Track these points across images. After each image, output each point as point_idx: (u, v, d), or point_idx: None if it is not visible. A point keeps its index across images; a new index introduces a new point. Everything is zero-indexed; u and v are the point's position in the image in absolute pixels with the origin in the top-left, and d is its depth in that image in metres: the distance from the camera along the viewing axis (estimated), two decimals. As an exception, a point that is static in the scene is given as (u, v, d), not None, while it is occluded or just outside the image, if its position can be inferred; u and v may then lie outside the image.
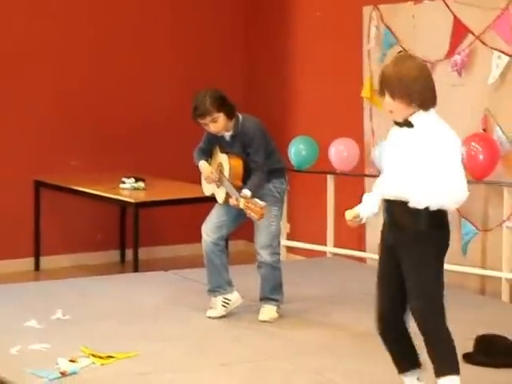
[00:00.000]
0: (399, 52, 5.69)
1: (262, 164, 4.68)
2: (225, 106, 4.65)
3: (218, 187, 4.78)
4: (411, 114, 3.35)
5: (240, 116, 4.74)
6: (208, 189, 4.89)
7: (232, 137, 4.74)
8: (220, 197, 4.76)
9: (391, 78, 3.31)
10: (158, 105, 7.04)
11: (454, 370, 3.42)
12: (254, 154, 4.67)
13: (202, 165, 4.80)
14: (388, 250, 3.45)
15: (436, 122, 3.39)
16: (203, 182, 4.91)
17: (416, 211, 3.32)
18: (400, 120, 3.37)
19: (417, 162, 3.32)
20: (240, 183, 4.66)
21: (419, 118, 3.36)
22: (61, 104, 6.76)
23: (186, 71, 7.08)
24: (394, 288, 3.44)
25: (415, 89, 3.31)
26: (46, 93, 6.71)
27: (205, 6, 7.17)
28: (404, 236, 3.37)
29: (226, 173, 4.70)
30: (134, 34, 6.95)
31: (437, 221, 3.37)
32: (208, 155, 4.86)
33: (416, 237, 3.35)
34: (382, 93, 3.35)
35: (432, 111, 3.39)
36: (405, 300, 3.43)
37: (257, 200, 4.43)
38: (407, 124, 3.36)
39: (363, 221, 3.51)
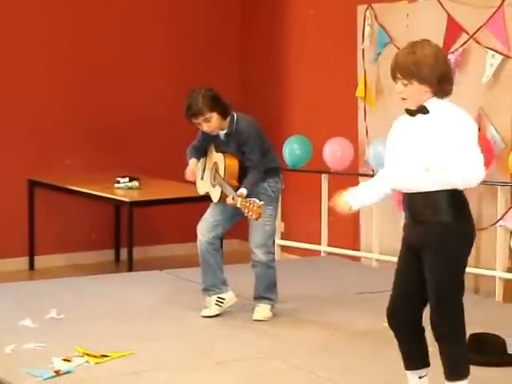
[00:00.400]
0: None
1: (258, 162, 4.67)
2: (218, 105, 4.64)
3: (213, 186, 4.77)
4: (424, 101, 3.23)
5: (235, 115, 4.73)
6: (202, 188, 4.89)
7: (227, 135, 4.73)
8: (215, 196, 4.76)
9: (407, 63, 3.21)
10: (152, 104, 7.03)
11: (465, 375, 3.38)
12: (249, 152, 4.66)
13: (191, 163, 4.79)
14: (409, 246, 3.34)
15: (452, 107, 3.29)
16: (197, 181, 4.90)
17: (437, 202, 3.20)
18: (413, 107, 3.26)
19: (435, 148, 3.20)
20: (236, 183, 4.65)
21: (434, 104, 3.26)
22: (55, 103, 6.75)
23: (181, 71, 7.07)
24: (411, 285, 3.34)
25: (433, 75, 3.21)
26: (41, 92, 6.70)
27: (199, 6, 7.16)
28: (427, 230, 3.24)
29: (222, 172, 4.69)
30: (127, 34, 6.94)
31: (460, 210, 3.24)
32: (201, 154, 4.85)
33: (441, 230, 3.22)
34: (395, 79, 3.25)
35: (446, 99, 3.30)
36: (422, 299, 3.34)
37: (254, 199, 4.41)
38: (422, 110, 3.24)
39: (353, 209, 3.43)
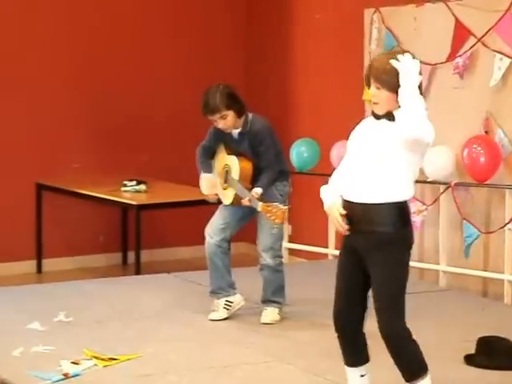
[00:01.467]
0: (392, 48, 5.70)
1: (273, 162, 4.67)
2: (235, 103, 4.63)
3: (224, 189, 4.76)
4: (395, 109, 3.25)
5: (250, 114, 4.73)
6: (209, 189, 4.85)
7: (240, 135, 4.72)
8: (227, 198, 4.74)
9: (379, 71, 3.25)
10: (159, 108, 7.04)
11: (424, 371, 3.40)
12: (264, 152, 4.65)
13: (204, 178, 4.75)
14: (351, 251, 3.39)
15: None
16: (203, 182, 4.85)
17: (380, 211, 3.27)
18: (382, 113, 3.29)
19: (394, 156, 3.25)
20: (249, 185, 4.64)
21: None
22: (62, 107, 6.77)
23: (187, 76, 7.08)
24: (352, 287, 3.40)
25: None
26: (48, 95, 6.72)
27: (206, 11, 7.16)
28: (370, 238, 3.30)
29: (236, 174, 4.68)
30: (135, 36, 6.95)
31: (402, 219, 3.31)
32: (211, 154, 4.83)
33: (384, 238, 3.28)
34: (368, 83, 3.31)
35: None
36: (363, 300, 3.41)
37: (277, 204, 4.36)
38: (388, 116, 3.28)
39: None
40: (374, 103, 3.31)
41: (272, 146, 4.68)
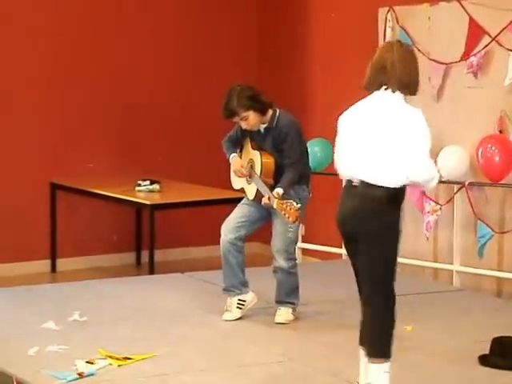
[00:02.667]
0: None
1: (297, 160, 4.64)
2: (254, 104, 4.62)
3: (249, 183, 4.76)
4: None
5: (277, 110, 4.72)
6: (238, 183, 4.87)
7: (266, 129, 4.71)
8: (250, 193, 4.74)
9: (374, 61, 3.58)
10: (173, 108, 7.04)
11: (388, 356, 3.53)
12: (288, 149, 4.64)
13: (233, 158, 4.77)
14: (347, 238, 3.58)
15: (406, 106, 3.54)
16: (233, 175, 4.87)
17: (373, 194, 3.45)
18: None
19: (386, 142, 3.46)
20: (271, 181, 4.63)
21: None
22: (77, 107, 6.78)
23: (201, 76, 7.07)
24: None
25: (411, 77, 3.55)
26: (62, 96, 6.73)
27: (218, 10, 7.16)
28: (363, 221, 3.48)
29: (258, 169, 4.67)
30: (147, 33, 6.93)
31: (394, 204, 3.49)
32: (237, 146, 4.83)
33: (376, 222, 3.45)
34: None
35: (407, 98, 3.57)
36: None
37: (291, 201, 4.39)
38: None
39: None
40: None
41: (297, 145, 4.66)
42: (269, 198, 4.48)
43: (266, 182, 4.61)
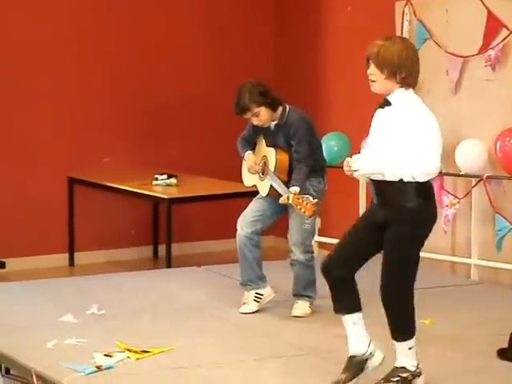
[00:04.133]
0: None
1: (306, 155, 4.65)
2: (266, 99, 4.64)
3: (262, 180, 4.76)
4: (391, 90, 3.61)
5: (287, 106, 4.73)
6: (249, 180, 4.87)
7: (277, 126, 4.72)
8: (263, 190, 4.75)
9: (374, 53, 3.62)
10: (190, 102, 7.03)
11: (411, 334, 3.66)
12: (297, 144, 4.65)
13: (248, 155, 4.79)
14: (372, 223, 3.66)
15: (413, 100, 3.64)
16: (244, 172, 4.89)
17: (402, 187, 3.54)
18: (379, 92, 3.65)
19: (393, 137, 3.57)
20: (285, 177, 4.64)
21: (397, 96, 3.62)
22: (93, 101, 6.78)
23: (218, 69, 7.06)
24: (362, 247, 3.68)
25: (403, 67, 3.58)
26: (79, 90, 6.74)
27: (235, 5, 7.14)
28: (394, 212, 3.57)
29: (272, 166, 4.68)
30: (164, 27, 6.91)
31: (423, 195, 3.57)
32: (251, 144, 4.85)
33: (406, 212, 3.55)
34: (368, 62, 3.64)
35: (411, 91, 3.64)
36: (361, 263, 3.69)
37: (308, 196, 4.39)
38: (386, 103, 3.64)
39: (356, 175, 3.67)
40: (371, 81, 3.64)
41: (306, 140, 4.67)
42: (288, 198, 4.46)
43: (279, 178, 4.62)
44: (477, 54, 5.64)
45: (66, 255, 6.71)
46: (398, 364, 3.69)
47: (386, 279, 3.65)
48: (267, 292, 4.81)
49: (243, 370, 4.01)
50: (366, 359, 3.73)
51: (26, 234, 6.59)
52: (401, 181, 3.56)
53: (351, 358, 3.75)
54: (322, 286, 4.86)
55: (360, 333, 3.73)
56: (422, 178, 3.56)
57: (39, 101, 6.64)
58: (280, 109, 4.70)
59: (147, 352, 4.13)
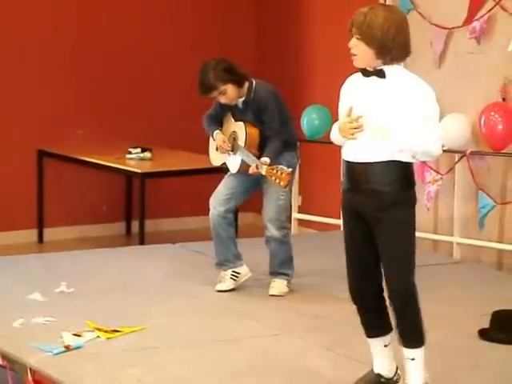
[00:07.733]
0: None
1: (278, 131, 4.58)
2: (232, 76, 4.54)
3: (232, 156, 4.66)
4: (376, 65, 3.30)
5: (253, 82, 4.64)
6: (218, 159, 4.78)
7: (244, 103, 4.63)
8: (233, 166, 4.66)
9: (360, 22, 3.30)
10: (165, 74, 6.92)
11: (422, 341, 3.39)
12: (269, 120, 4.57)
13: (217, 134, 4.69)
14: (353, 213, 3.38)
15: (408, 74, 3.35)
16: (212, 152, 4.80)
17: (385, 172, 3.27)
18: (361, 66, 3.34)
19: (392, 112, 3.27)
20: (256, 152, 4.57)
21: (392, 68, 3.32)
22: (66, 72, 6.66)
23: (195, 40, 6.95)
24: (364, 259, 3.39)
25: (380, 40, 3.27)
26: (51, 60, 6.60)
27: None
28: (377, 200, 3.30)
29: (242, 141, 4.60)
30: (144, 4, 6.81)
31: (408, 180, 3.33)
32: (219, 123, 4.75)
33: (392, 199, 3.29)
34: (351, 32, 3.33)
35: (401, 65, 3.35)
36: (379, 270, 3.37)
37: (282, 166, 4.34)
38: (378, 74, 3.31)
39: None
40: (353, 55, 3.33)
41: (277, 114, 4.59)
42: (257, 166, 4.40)
43: (250, 152, 4.54)
44: (461, 26, 5.57)
45: (35, 231, 6.61)
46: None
47: (396, 273, 3.34)
48: (244, 271, 4.74)
49: (218, 350, 3.93)
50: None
51: (-6, 208, 6.47)
52: (393, 162, 3.27)
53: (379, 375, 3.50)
54: (301, 264, 4.80)
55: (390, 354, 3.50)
56: (425, 158, 3.38)
57: (7, 70, 6.49)
58: (246, 84, 4.60)
59: (118, 331, 4.04)
